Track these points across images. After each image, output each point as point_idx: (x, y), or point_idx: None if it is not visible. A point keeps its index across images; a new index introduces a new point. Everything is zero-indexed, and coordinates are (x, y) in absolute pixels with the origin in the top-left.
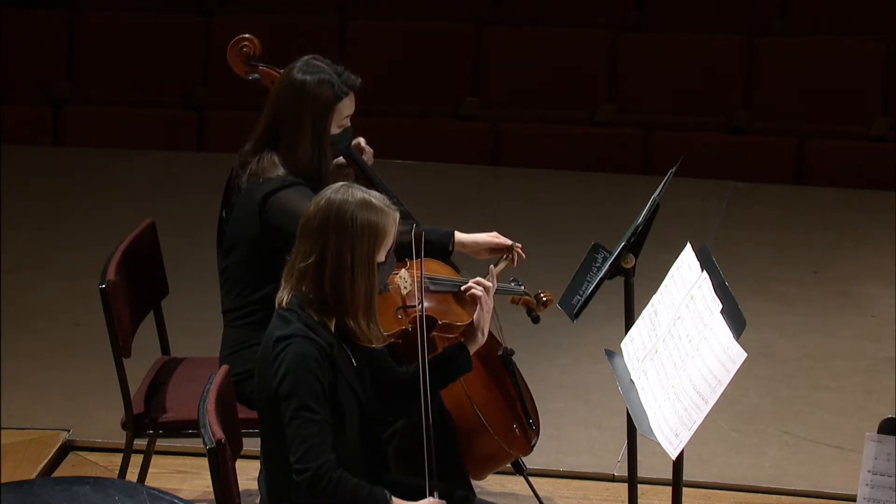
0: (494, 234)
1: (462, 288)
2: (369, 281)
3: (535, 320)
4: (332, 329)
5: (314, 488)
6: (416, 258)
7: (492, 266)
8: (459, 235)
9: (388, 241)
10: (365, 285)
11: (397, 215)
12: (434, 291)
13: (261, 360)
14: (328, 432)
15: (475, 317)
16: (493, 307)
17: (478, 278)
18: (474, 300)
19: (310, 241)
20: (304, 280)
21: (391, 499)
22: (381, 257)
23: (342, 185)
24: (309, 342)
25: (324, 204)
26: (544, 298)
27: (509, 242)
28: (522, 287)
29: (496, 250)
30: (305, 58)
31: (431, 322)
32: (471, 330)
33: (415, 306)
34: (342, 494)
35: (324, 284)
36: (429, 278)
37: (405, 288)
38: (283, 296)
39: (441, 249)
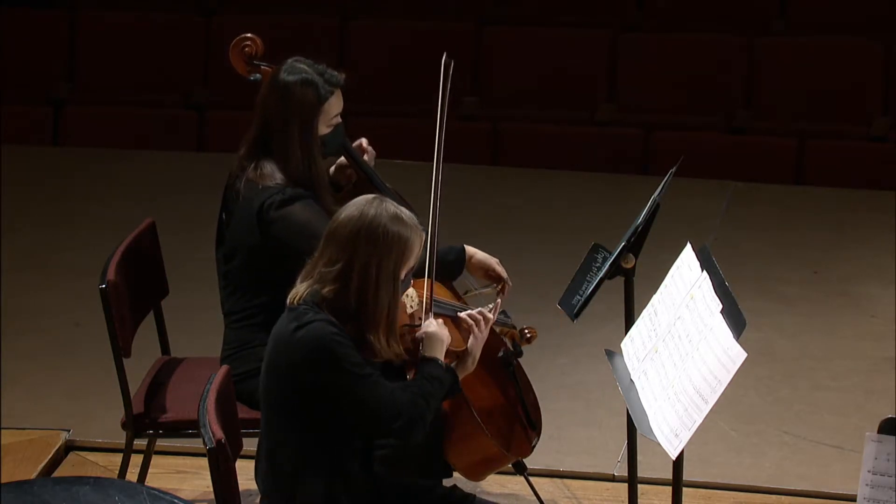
0: (497, 261)
1: (460, 315)
2: (392, 296)
3: (518, 354)
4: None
5: (417, 424)
6: (428, 277)
7: (498, 300)
8: (470, 250)
9: (413, 259)
10: (388, 300)
11: (424, 234)
12: (435, 313)
13: (273, 356)
14: (385, 384)
15: (469, 344)
16: (495, 309)
17: (480, 309)
18: (469, 328)
19: (337, 247)
20: (325, 284)
21: (435, 361)
22: (403, 274)
23: (375, 198)
24: (327, 323)
25: (357, 214)
26: (528, 335)
27: (505, 275)
28: (510, 319)
29: (491, 276)
30: (290, 60)
31: None
32: (463, 357)
33: (419, 326)
34: (429, 410)
35: (348, 293)
36: (434, 301)
37: (410, 307)
38: (299, 291)
39: (459, 268)
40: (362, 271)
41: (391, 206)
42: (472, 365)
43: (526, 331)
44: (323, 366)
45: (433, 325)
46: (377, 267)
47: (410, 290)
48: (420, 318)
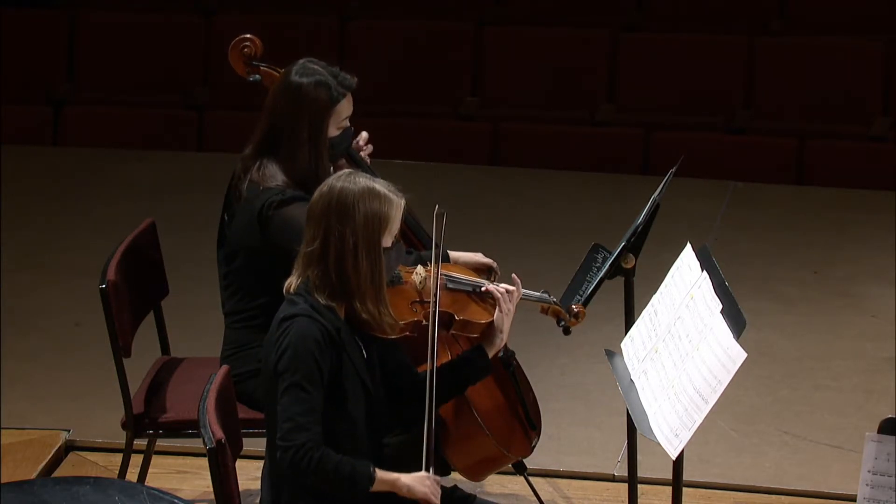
0: (479, 254)
1: (482, 289)
2: (375, 264)
3: (566, 331)
4: (342, 316)
5: (295, 466)
6: (433, 256)
7: (514, 275)
8: (452, 254)
9: (393, 227)
10: (370, 268)
11: (402, 201)
12: (452, 289)
13: (266, 343)
14: (316, 415)
15: (495, 317)
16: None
17: (503, 284)
18: (494, 301)
19: (314, 226)
20: (311, 265)
21: (374, 472)
22: (386, 242)
23: (347, 172)
24: (312, 322)
25: (326, 190)
26: (576, 310)
27: (493, 263)
28: (553, 298)
29: (479, 270)
30: (301, 61)
31: (448, 318)
32: (490, 331)
33: (428, 302)
34: (324, 472)
35: (329, 268)
36: (447, 277)
37: (421, 283)
38: (292, 281)
39: None
40: (338, 243)
41: (362, 178)
42: (500, 341)
43: (574, 307)
44: (282, 361)
45: (411, 480)
46: (352, 237)
47: (420, 268)
48: (430, 295)
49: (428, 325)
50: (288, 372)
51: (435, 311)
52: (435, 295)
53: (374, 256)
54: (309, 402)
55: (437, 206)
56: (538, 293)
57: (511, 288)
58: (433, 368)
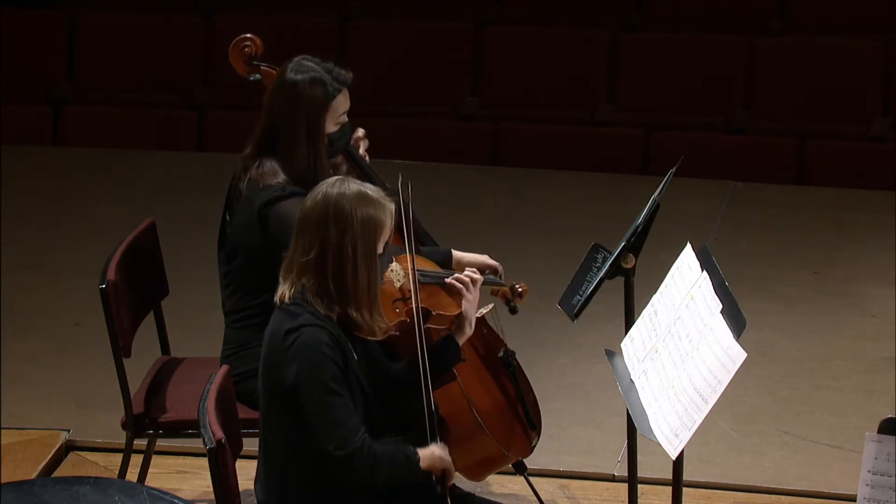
0: (486, 256)
1: (447, 281)
2: (371, 272)
3: (513, 311)
4: (335, 321)
5: (360, 467)
6: (408, 247)
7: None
8: (456, 254)
9: (386, 233)
10: (367, 276)
11: (392, 206)
12: (424, 284)
13: (267, 355)
14: (354, 411)
15: (463, 307)
16: (494, 307)
17: (466, 271)
18: (459, 292)
19: (309, 235)
20: (306, 274)
21: (417, 452)
22: (379, 248)
23: (337, 179)
24: (320, 329)
25: (321, 198)
26: (520, 290)
27: (499, 266)
28: (499, 278)
29: (485, 271)
30: (296, 58)
31: (426, 314)
32: (460, 321)
33: (409, 298)
34: (383, 466)
35: (327, 277)
36: (419, 272)
37: (398, 281)
38: (285, 291)
39: (445, 267)
40: (336, 253)
41: (354, 185)
42: (469, 329)
43: (517, 286)
44: (301, 373)
45: (438, 450)
46: (351, 246)
47: (395, 265)
48: (409, 291)
49: (411, 322)
50: (315, 382)
51: (418, 308)
52: (415, 292)
53: (371, 264)
54: (346, 405)
55: (399, 176)
56: (492, 277)
57: (475, 276)
58: (426, 367)
